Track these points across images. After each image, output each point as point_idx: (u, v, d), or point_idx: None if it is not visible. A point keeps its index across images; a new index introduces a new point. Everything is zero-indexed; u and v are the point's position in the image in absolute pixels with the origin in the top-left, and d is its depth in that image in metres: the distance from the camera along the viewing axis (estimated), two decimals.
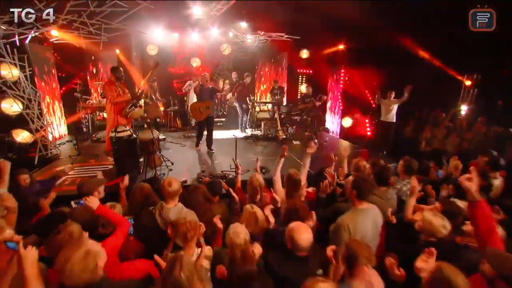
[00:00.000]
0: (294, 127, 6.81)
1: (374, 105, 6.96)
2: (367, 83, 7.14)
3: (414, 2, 5.35)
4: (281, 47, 7.93)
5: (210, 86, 5.37)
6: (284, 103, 7.49)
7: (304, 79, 8.54)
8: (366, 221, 1.95)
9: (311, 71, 8.31)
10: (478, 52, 5.98)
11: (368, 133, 6.93)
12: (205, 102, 5.30)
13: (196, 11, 6.03)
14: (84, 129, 6.68)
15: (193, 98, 6.53)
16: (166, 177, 2.69)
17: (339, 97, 7.47)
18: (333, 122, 7.86)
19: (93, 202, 1.92)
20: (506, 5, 4.43)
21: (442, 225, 1.85)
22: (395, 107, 5.95)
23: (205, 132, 5.57)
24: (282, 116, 6.80)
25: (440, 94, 7.19)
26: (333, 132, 7.74)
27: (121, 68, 4.87)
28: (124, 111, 4.59)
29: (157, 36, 7.30)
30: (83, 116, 6.58)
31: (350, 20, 5.78)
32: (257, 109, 6.93)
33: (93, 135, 6.41)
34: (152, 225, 2.19)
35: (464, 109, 7.26)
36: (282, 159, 2.83)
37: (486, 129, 5.80)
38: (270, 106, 6.90)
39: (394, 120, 6.03)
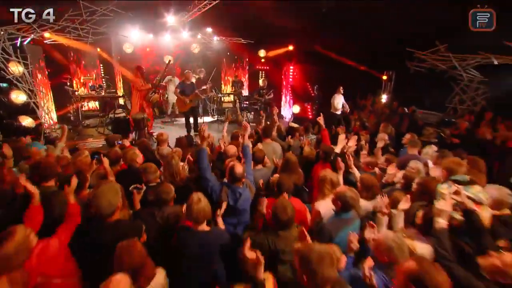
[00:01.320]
0: (252, 113, 8.84)
1: (313, 94, 9.25)
2: (309, 78, 9.42)
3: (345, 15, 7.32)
4: (242, 48, 9.89)
5: (191, 82, 7.10)
6: (246, 94, 9.50)
7: (262, 74, 10.61)
8: (268, 148, 3.97)
9: (267, 68, 10.40)
10: (391, 54, 8.48)
11: (310, 116, 9.17)
12: (189, 96, 6.88)
13: (170, 19, 7.76)
14: (72, 118, 8.14)
15: (171, 91, 8.27)
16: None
17: (290, 89, 9.65)
18: (286, 109, 10.04)
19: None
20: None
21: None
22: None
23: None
24: (243, 104, 8.80)
25: (367, 87, 9.69)
26: (285, 117, 9.91)
27: (143, 67, 7.01)
28: (147, 96, 6.69)
29: (133, 36, 8.85)
30: (73, 106, 8.04)
31: (295, 28, 7.95)
32: (223, 99, 8.87)
33: (83, 122, 7.93)
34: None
35: (384, 97, 9.82)
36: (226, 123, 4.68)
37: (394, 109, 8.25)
38: (232, 96, 8.87)
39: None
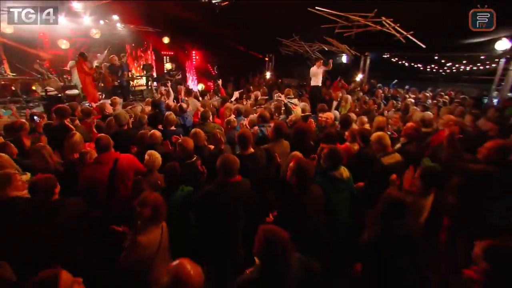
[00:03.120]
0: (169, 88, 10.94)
1: (214, 73, 12.16)
2: (209, 60, 12.23)
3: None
4: (147, 34, 11.56)
5: (118, 64, 8.62)
6: (155, 76, 11.41)
7: (168, 58, 12.63)
8: (193, 103, 6.60)
9: (172, 53, 12.50)
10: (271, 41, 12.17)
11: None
12: (113, 76, 8.56)
13: (76, 5, 8.77)
14: None
15: (76, 75, 9.31)
16: None
17: (194, 70, 12.17)
18: (193, 87, 12.54)
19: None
20: None
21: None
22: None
23: None
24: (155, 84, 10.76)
25: (256, 66, 13.32)
26: None
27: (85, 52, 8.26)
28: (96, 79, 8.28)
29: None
30: None
31: (196, 19, 10.34)
32: (136, 82, 10.53)
33: None
34: None
35: (268, 74, 13.71)
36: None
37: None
38: (145, 78, 10.69)
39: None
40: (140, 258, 2.13)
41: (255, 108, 5.98)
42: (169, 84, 10.58)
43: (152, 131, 3.58)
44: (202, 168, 3.10)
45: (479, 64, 11.17)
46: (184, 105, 5.21)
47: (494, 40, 7.81)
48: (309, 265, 1.87)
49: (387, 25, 6.03)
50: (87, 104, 5.61)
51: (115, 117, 4.22)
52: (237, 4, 8.04)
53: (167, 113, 4.50)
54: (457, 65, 11.28)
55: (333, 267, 2.85)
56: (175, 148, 3.40)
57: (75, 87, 8.00)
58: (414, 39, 6.29)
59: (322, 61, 8.26)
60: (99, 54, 10.72)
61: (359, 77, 11.28)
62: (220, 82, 7.85)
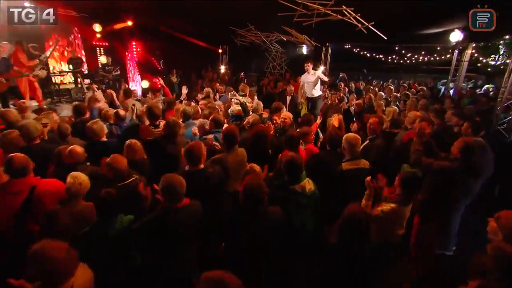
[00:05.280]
0: (99, 91, 10.01)
1: (159, 68, 11.50)
2: (153, 53, 11.53)
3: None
4: (73, 21, 10.46)
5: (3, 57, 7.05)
6: (86, 72, 10.39)
7: (102, 50, 11.60)
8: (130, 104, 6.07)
9: (106, 44, 11.51)
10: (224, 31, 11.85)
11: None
12: (3, 74, 7.03)
13: None
14: None
15: None
16: None
17: (135, 65, 11.38)
18: (134, 86, 11.73)
19: None
20: None
21: None
22: None
23: None
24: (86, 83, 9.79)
25: (208, 59, 12.91)
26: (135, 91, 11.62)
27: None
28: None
29: None
30: None
31: (132, 5, 9.58)
32: (59, 79, 9.45)
33: None
34: None
35: (222, 67, 13.39)
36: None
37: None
38: (73, 75, 9.64)
39: None
40: None
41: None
42: (106, 81, 9.80)
43: (71, 147, 3.10)
44: (146, 191, 2.77)
45: (435, 55, 12.16)
46: (122, 112, 4.69)
47: (449, 32, 8.50)
48: None
49: (348, 15, 6.14)
50: None
51: (22, 129, 3.61)
52: None
53: (90, 122, 4.00)
54: (416, 56, 12.13)
55: None
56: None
57: None
58: (375, 30, 6.50)
59: (310, 63, 7.03)
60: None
61: (321, 69, 11.51)
62: (159, 81, 7.23)
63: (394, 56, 12.53)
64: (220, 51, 13.39)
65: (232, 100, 5.50)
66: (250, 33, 11.67)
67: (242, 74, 11.66)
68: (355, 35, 8.07)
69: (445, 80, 10.67)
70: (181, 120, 4.98)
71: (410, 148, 3.82)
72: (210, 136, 3.87)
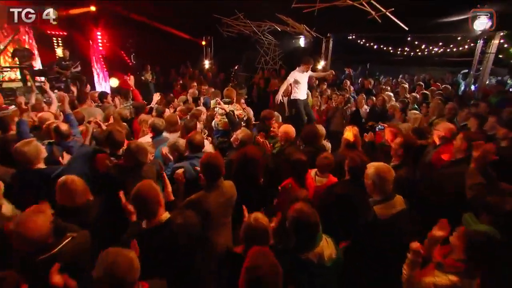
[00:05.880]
0: (56, 91, 9.05)
1: (130, 64, 10.61)
2: (123, 45, 10.61)
3: None
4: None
5: None
6: (39, 67, 9.41)
7: (60, 41, 10.62)
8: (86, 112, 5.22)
9: (64, 33, 10.52)
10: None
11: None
12: None
13: None
14: None
15: None
16: None
17: (101, 59, 10.44)
18: (102, 84, 10.80)
19: None
20: None
21: None
22: None
23: None
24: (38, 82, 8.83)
25: (188, 53, 12.08)
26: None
27: None
28: None
29: None
30: None
31: None
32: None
33: None
34: None
35: (207, 63, 12.57)
36: None
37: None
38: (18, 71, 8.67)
39: None
40: None
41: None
42: (62, 79, 8.79)
43: None
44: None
45: (452, 46, 11.62)
46: (64, 127, 3.81)
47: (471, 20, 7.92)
48: None
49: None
50: None
51: None
52: None
53: (21, 142, 3.15)
54: (430, 47, 11.60)
55: None
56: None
57: None
58: (394, 18, 5.84)
59: (309, 63, 6.10)
60: None
61: (321, 64, 10.88)
62: (129, 78, 6.29)
63: (405, 48, 11.95)
64: (203, 43, 12.56)
65: (216, 110, 4.72)
66: (238, 22, 10.99)
67: (232, 74, 10.86)
68: (364, 24, 7.47)
69: (465, 71, 10.09)
70: (151, 135, 4.21)
71: (448, 174, 3.15)
72: (180, 171, 3.06)
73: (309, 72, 6.24)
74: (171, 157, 3.55)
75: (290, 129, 4.08)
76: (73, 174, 2.72)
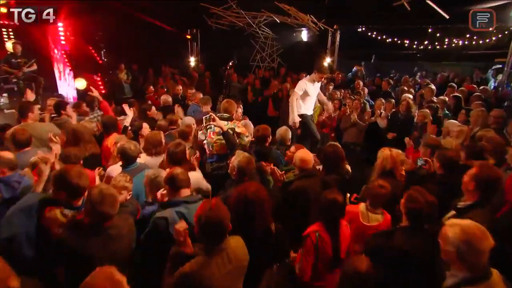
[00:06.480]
0: (6, 94, 8.21)
1: (101, 62, 9.79)
2: (91, 39, 9.78)
3: None
4: None
5: None
6: None
7: (10, 34, 9.68)
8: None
9: (15, 24, 9.55)
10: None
11: (103, 91, 9.66)
12: None
13: None
14: None
15: None
16: None
17: (64, 56, 9.56)
18: (67, 86, 9.92)
19: None
20: None
21: None
22: None
23: None
24: None
25: (172, 48, 11.38)
26: (67, 97, 9.79)
27: None
28: None
29: None
30: None
31: None
32: None
33: None
34: None
35: (192, 60, 11.85)
36: None
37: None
38: None
39: None
40: None
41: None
42: (13, 81, 7.83)
43: None
44: None
45: (475, 37, 11.18)
46: (8, 155, 2.95)
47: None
48: None
49: None
50: None
51: None
52: None
53: None
54: (455, 40, 11.17)
55: None
56: None
57: None
58: (434, 6, 5.27)
59: (323, 73, 5.41)
60: None
61: (327, 61, 10.31)
62: (92, 91, 5.55)
63: (424, 42, 11.54)
64: (188, 36, 11.81)
65: (209, 128, 3.96)
66: (229, 12, 10.34)
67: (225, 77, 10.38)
68: (383, 14, 6.91)
69: (498, 66, 9.58)
70: (120, 164, 3.41)
71: None
72: (181, 226, 2.18)
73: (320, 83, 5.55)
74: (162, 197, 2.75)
75: (308, 156, 3.36)
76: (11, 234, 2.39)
